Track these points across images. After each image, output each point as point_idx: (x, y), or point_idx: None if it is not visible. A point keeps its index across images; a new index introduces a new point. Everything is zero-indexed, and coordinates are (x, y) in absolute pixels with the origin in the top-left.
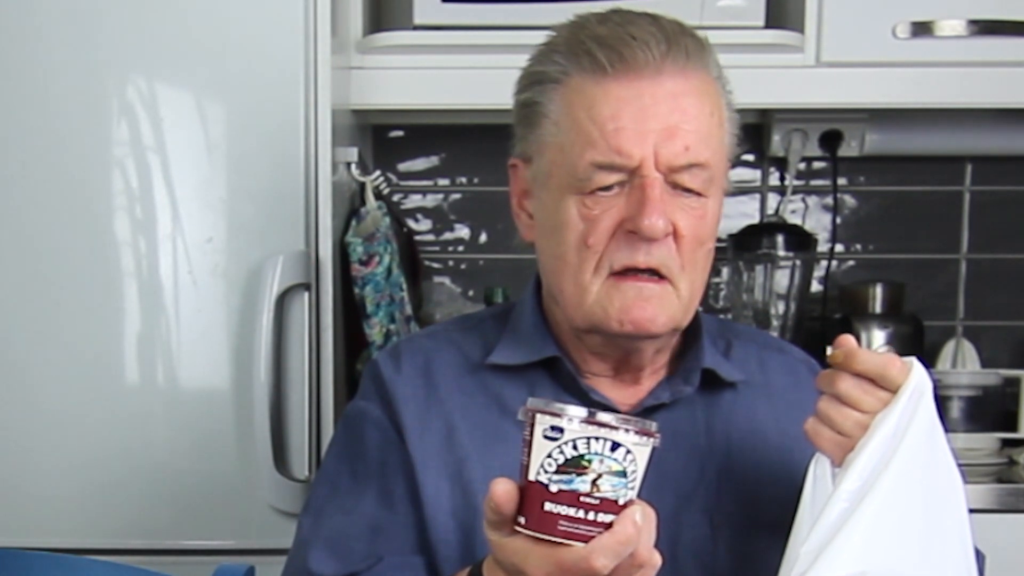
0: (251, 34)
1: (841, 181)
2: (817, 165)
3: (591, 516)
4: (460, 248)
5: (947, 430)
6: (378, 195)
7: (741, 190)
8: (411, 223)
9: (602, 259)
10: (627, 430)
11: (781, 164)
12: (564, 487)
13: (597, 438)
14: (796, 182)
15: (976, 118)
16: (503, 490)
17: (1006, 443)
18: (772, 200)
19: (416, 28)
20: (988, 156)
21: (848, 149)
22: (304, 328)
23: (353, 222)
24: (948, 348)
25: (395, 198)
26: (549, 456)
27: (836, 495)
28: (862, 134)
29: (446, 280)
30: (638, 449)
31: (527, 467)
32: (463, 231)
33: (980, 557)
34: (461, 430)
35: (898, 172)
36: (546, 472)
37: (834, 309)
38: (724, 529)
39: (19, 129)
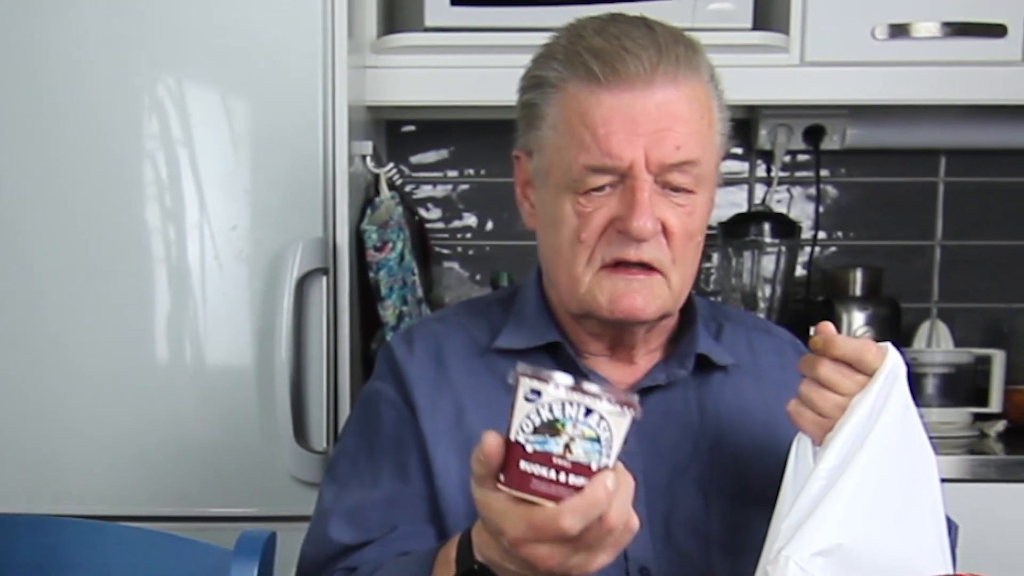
0: (273, 36)
1: (824, 173)
2: (801, 158)
3: (563, 478)
4: (468, 235)
5: (920, 405)
6: (391, 186)
7: (730, 181)
8: (422, 212)
9: (594, 253)
10: (601, 398)
11: (768, 157)
12: (538, 448)
13: (572, 403)
14: (781, 174)
15: (950, 114)
16: (491, 443)
17: (977, 417)
18: (759, 190)
19: (427, 30)
20: (961, 149)
21: (830, 143)
22: (322, 310)
23: (368, 211)
24: (923, 329)
25: (407, 188)
26: (527, 417)
27: (815, 472)
28: (843, 129)
29: (455, 265)
30: (613, 418)
31: (508, 427)
32: (471, 219)
33: (953, 527)
34: (469, 409)
35: (877, 164)
36: (523, 432)
37: (817, 292)
38: (716, 501)
39: (60, 125)
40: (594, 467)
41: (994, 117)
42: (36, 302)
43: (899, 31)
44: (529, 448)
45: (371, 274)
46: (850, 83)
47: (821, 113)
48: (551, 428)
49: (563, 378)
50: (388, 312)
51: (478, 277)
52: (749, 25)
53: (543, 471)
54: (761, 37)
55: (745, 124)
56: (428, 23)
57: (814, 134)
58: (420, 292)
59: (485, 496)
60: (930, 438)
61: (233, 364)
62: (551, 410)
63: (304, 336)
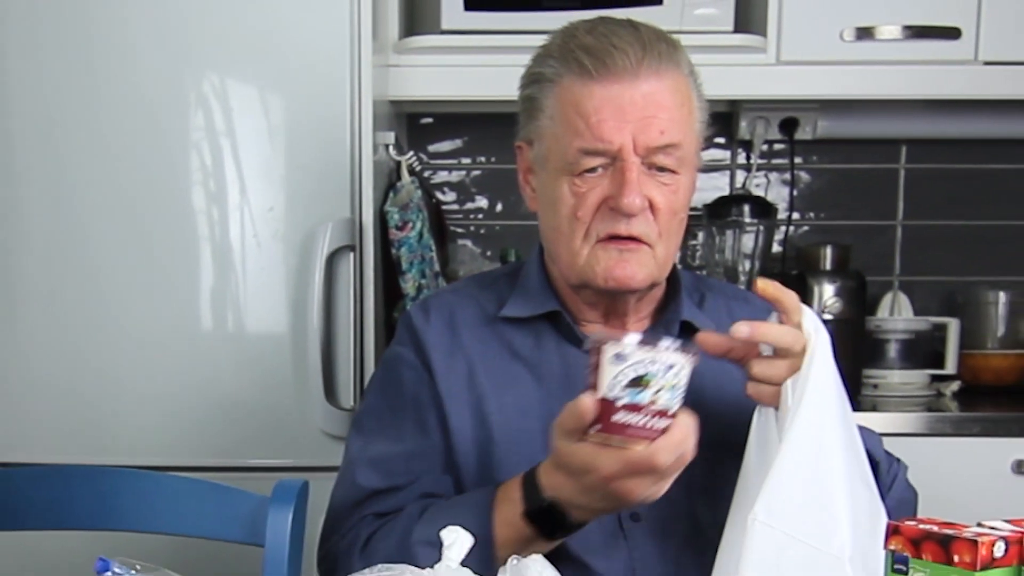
0: (305, 38)
1: (797, 160)
2: (777, 147)
3: (651, 423)
4: (480, 216)
5: (883, 368)
6: (411, 171)
7: (714, 168)
8: (439, 195)
9: (589, 229)
10: (675, 352)
11: (747, 146)
12: (630, 400)
13: (654, 360)
14: (759, 161)
15: (910, 108)
16: (588, 403)
17: (934, 378)
18: (739, 176)
19: (443, 32)
20: (920, 139)
21: (803, 133)
22: (349, 282)
23: (390, 194)
24: (886, 299)
25: (425, 174)
26: (615, 377)
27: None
28: (815, 121)
29: (468, 242)
30: (684, 368)
31: (596, 387)
32: (482, 201)
33: (900, 463)
34: (480, 372)
35: (845, 153)
36: (615, 389)
37: (791, 267)
38: (698, 450)
39: (119, 119)
40: (671, 411)
41: (949, 111)
42: (96, 276)
43: (865, 33)
44: (621, 402)
45: (393, 250)
46: (821, 80)
47: (795, 107)
48: (640, 382)
49: (632, 337)
50: (408, 284)
51: (488, 253)
52: (730, 28)
53: (634, 419)
54: (741, 39)
55: (727, 117)
56: (444, 26)
57: (789, 126)
58: (437, 267)
59: (570, 446)
60: (891, 398)
61: (270, 331)
62: (637, 368)
63: (333, 306)
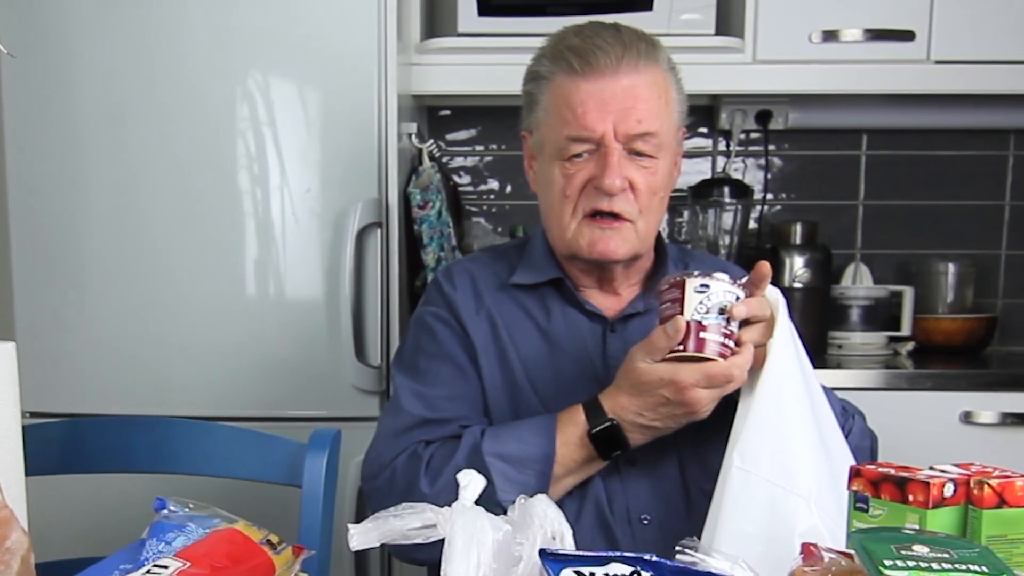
0: (338, 40)
1: (771, 147)
2: (753, 136)
3: (728, 343)
4: (491, 196)
5: (847, 331)
6: (431, 157)
7: (697, 154)
8: (455, 178)
9: (577, 206)
10: (740, 286)
11: (727, 135)
12: (713, 322)
13: (729, 291)
14: (737, 148)
15: (870, 101)
16: (681, 323)
17: (891, 339)
18: (720, 161)
19: (459, 35)
20: (879, 129)
21: (776, 124)
22: (377, 255)
23: (413, 177)
24: (849, 270)
25: (443, 160)
26: (700, 303)
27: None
28: (787, 113)
29: (481, 220)
30: (742, 299)
31: (682, 313)
32: (494, 184)
33: (858, 416)
34: (500, 327)
35: (813, 141)
36: (699, 313)
37: (765, 241)
38: None
39: (174, 111)
40: (736, 334)
41: (905, 104)
42: (155, 249)
43: (830, 36)
44: (706, 323)
45: (415, 227)
46: (792, 77)
47: (769, 101)
48: (721, 309)
49: (723, 275)
50: (429, 257)
51: (499, 229)
52: (712, 31)
53: (716, 338)
54: (721, 41)
55: (709, 109)
56: (460, 29)
57: (763, 117)
58: (454, 241)
59: (651, 365)
60: (854, 357)
61: (307, 297)
62: (718, 297)
63: (362, 276)
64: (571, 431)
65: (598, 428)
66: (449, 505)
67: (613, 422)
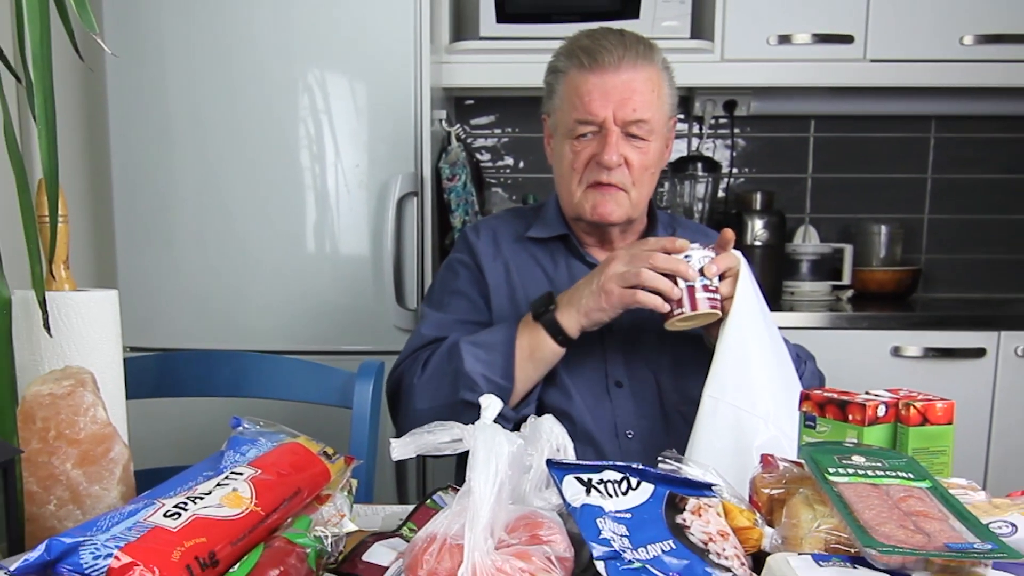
0: (382, 43)
1: (736, 131)
2: (722, 121)
3: (716, 296)
4: (508, 171)
5: (795, 280)
6: (458, 139)
7: (676, 136)
8: (478, 155)
9: (582, 177)
10: (711, 249)
11: (700, 121)
12: (699, 284)
13: (704, 256)
14: (708, 131)
15: (818, 93)
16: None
17: (835, 288)
18: (694, 142)
19: (481, 38)
20: (824, 115)
21: (740, 111)
22: (414, 218)
23: (443, 155)
24: (800, 231)
25: (468, 140)
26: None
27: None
28: (749, 102)
29: (499, 190)
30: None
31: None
32: (510, 160)
33: (822, 378)
34: (513, 271)
35: (771, 126)
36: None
37: (731, 208)
38: (667, 345)
39: (245, 102)
40: (718, 288)
41: (846, 95)
42: (230, 214)
43: (784, 39)
44: (699, 284)
45: (445, 196)
46: (753, 73)
47: (734, 92)
48: (701, 271)
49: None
50: (456, 220)
51: (514, 198)
52: (688, 35)
53: (704, 295)
54: (695, 43)
55: (686, 99)
56: (482, 34)
57: (730, 106)
58: (477, 207)
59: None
60: (803, 302)
61: (356, 253)
62: (698, 262)
63: (402, 235)
64: (527, 321)
65: (538, 306)
66: (436, 395)
67: (553, 297)
